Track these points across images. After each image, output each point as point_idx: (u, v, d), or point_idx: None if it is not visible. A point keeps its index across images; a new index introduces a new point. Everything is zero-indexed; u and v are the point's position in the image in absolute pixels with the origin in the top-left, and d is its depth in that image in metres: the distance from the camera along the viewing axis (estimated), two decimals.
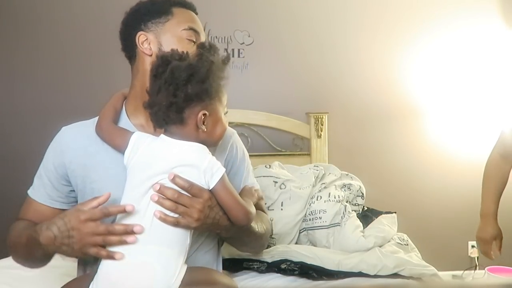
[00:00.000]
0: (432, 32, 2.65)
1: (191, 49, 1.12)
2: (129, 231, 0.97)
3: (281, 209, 1.93)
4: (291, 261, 1.69)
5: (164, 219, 0.98)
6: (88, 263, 1.15)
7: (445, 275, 2.64)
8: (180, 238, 1.01)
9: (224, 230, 1.08)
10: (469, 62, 2.68)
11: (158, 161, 1.02)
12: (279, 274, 1.68)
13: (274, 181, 1.98)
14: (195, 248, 1.18)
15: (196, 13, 1.24)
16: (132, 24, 1.19)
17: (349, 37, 2.62)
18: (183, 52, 1.05)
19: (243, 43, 2.55)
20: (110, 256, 0.96)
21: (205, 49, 1.06)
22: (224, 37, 2.52)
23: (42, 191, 1.17)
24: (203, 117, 1.03)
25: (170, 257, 0.99)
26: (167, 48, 1.13)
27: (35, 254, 1.07)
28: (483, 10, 2.68)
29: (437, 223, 2.69)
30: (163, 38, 1.16)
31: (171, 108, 1.01)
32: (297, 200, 1.95)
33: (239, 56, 2.55)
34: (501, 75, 2.70)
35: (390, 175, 2.67)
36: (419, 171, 2.69)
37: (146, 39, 1.16)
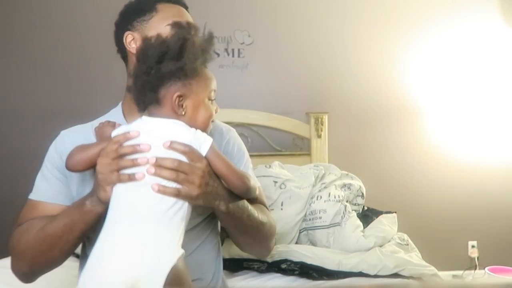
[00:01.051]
0: (431, 31, 2.65)
1: None
2: (138, 150, 0.94)
3: (281, 209, 1.93)
4: (291, 261, 1.69)
5: (163, 191, 0.92)
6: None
7: (445, 275, 2.64)
8: (176, 217, 0.94)
9: (223, 201, 1.02)
10: (469, 61, 2.68)
11: (139, 142, 0.96)
12: (279, 274, 1.68)
13: (274, 181, 1.98)
14: (195, 247, 1.18)
15: (186, 7, 1.23)
16: (121, 25, 1.21)
17: (348, 37, 2.62)
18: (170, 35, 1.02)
19: (243, 43, 2.55)
20: (132, 178, 0.93)
21: (181, 28, 1.03)
22: (224, 37, 2.52)
23: (51, 190, 1.13)
24: (178, 99, 0.99)
25: (164, 237, 0.91)
26: None
27: (75, 233, 1.03)
28: (483, 9, 2.68)
29: (437, 223, 2.69)
30: (148, 36, 1.14)
31: (146, 87, 0.98)
32: (297, 200, 1.95)
33: (239, 56, 2.55)
34: (500, 74, 2.70)
35: (390, 174, 2.67)
36: (419, 171, 2.69)
37: (133, 38, 1.17)
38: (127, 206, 0.94)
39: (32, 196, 1.15)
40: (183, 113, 1.00)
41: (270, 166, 2.08)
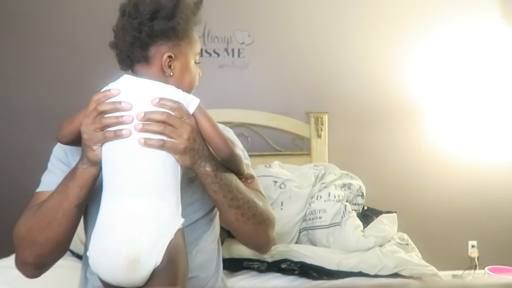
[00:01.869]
0: (431, 31, 2.65)
1: None
2: (119, 108, 0.93)
3: (281, 209, 1.93)
4: (291, 261, 1.69)
5: (149, 143, 0.92)
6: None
7: (445, 275, 2.64)
8: (171, 185, 0.94)
9: (208, 162, 1.00)
10: (469, 61, 2.68)
11: (120, 99, 0.94)
12: (279, 274, 1.68)
13: (274, 181, 1.98)
14: (195, 246, 1.18)
15: None
16: None
17: (348, 37, 2.62)
18: None
19: (243, 43, 2.55)
20: (118, 134, 0.92)
21: None
22: (224, 37, 2.52)
23: (55, 180, 1.10)
24: (168, 59, 0.99)
25: (162, 210, 0.91)
26: None
27: (71, 200, 1.00)
28: (482, 8, 2.68)
29: (437, 223, 2.69)
30: None
31: (135, 44, 0.97)
32: (297, 199, 1.94)
33: (239, 56, 2.55)
34: (500, 73, 2.70)
35: (390, 174, 2.67)
36: (419, 170, 2.69)
37: None
38: (120, 175, 0.93)
39: (38, 189, 1.16)
40: (171, 73, 1.00)
41: (270, 166, 2.08)
